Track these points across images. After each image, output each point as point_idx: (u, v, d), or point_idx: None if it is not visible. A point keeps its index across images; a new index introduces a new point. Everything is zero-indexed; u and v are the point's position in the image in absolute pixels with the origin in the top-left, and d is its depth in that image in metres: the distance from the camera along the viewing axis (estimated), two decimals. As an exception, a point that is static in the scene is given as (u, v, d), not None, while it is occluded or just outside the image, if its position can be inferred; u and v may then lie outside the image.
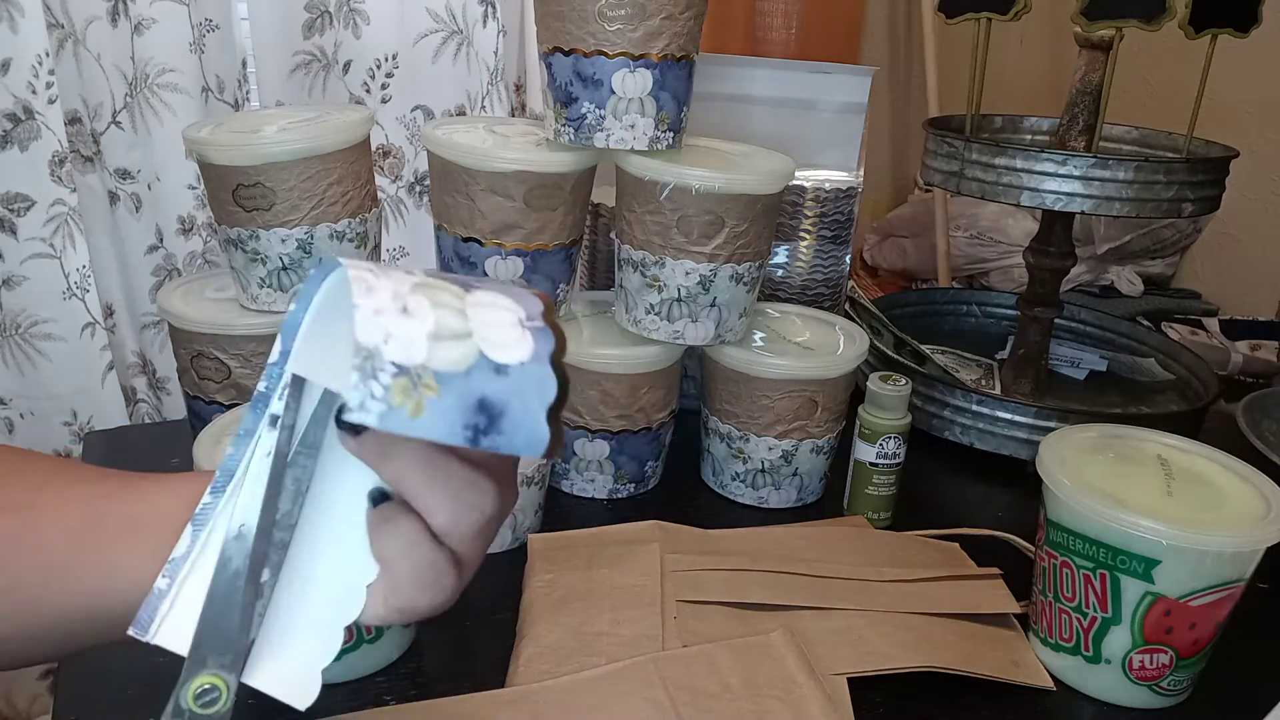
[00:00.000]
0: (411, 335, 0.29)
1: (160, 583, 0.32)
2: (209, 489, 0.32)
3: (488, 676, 0.54)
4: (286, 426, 0.32)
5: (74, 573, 0.34)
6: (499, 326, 0.30)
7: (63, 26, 1.19)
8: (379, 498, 0.33)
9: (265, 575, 0.31)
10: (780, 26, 2.02)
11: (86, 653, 0.54)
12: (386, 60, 1.41)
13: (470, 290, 0.32)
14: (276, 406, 0.32)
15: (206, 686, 0.30)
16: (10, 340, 1.26)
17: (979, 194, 0.78)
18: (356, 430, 0.31)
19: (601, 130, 0.68)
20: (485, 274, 0.71)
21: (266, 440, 0.32)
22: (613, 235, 0.74)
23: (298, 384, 0.32)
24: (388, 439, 0.31)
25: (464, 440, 0.29)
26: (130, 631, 0.32)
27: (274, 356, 0.32)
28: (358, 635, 0.54)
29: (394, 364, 0.28)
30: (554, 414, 0.30)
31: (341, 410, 0.29)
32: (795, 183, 0.84)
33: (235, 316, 0.70)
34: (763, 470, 0.73)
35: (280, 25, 1.32)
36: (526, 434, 0.30)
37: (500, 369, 0.30)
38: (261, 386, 0.32)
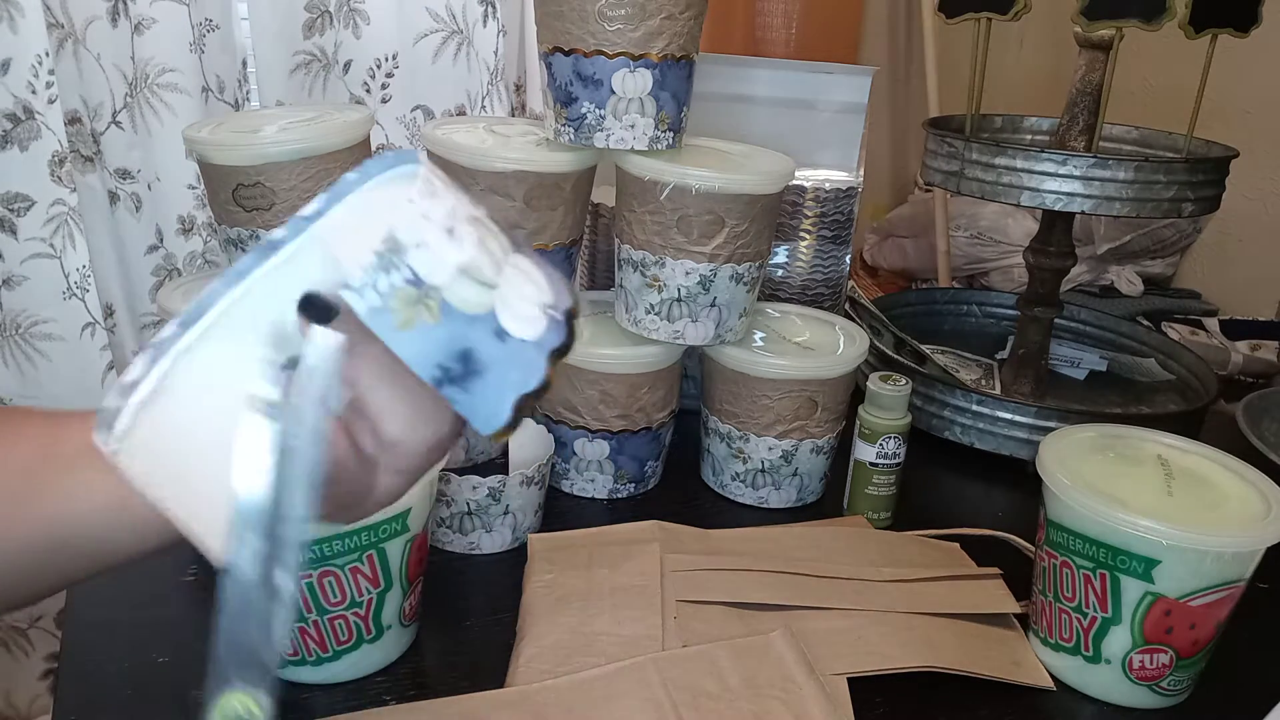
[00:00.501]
0: (444, 256, 0.28)
1: (111, 400, 0.30)
2: (175, 321, 0.31)
3: (488, 676, 0.54)
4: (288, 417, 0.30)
5: (33, 500, 0.34)
6: (524, 299, 0.30)
7: (63, 26, 1.19)
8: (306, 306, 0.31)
9: (279, 577, 0.29)
10: (780, 26, 2.02)
11: (80, 643, 0.54)
12: (386, 60, 1.41)
13: (517, 251, 0.31)
14: (271, 393, 0.29)
15: (241, 710, 0.28)
16: (10, 340, 1.26)
17: (979, 194, 0.78)
18: (321, 318, 0.30)
19: (601, 130, 0.68)
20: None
21: (269, 426, 0.29)
22: (613, 235, 0.74)
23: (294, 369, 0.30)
24: (356, 338, 0.30)
25: (429, 376, 0.28)
26: (94, 435, 0.31)
27: (307, 210, 0.30)
28: (358, 635, 0.54)
29: (412, 271, 0.27)
30: (521, 403, 0.30)
31: (314, 299, 0.28)
32: (795, 183, 0.84)
33: (235, 316, 0.70)
34: (763, 470, 0.73)
35: (280, 25, 1.32)
36: (487, 407, 0.29)
37: (501, 334, 0.29)
38: (279, 234, 0.30)
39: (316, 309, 0.30)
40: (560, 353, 0.31)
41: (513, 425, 0.30)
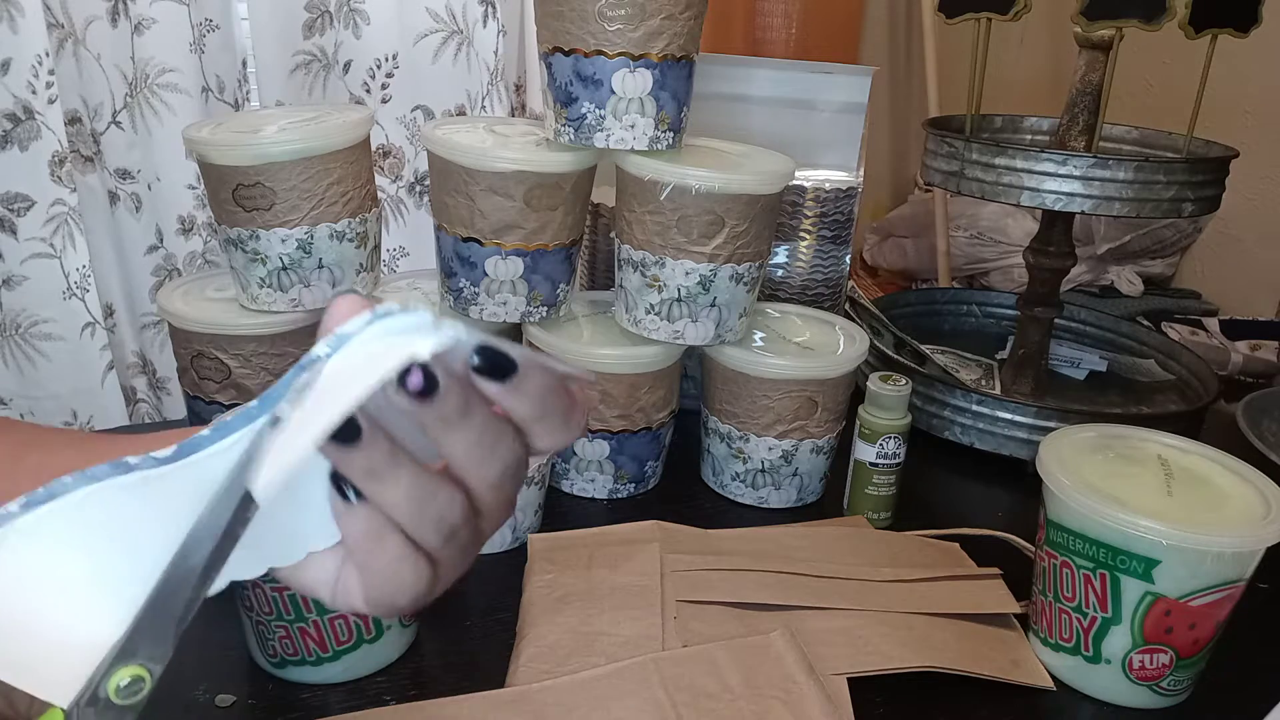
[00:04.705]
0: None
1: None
2: (211, 427, 0.30)
3: (488, 676, 0.54)
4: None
5: None
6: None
7: (63, 26, 1.19)
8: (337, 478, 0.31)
9: (218, 571, 0.30)
10: (780, 26, 2.02)
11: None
12: (386, 60, 1.41)
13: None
14: (284, 410, 0.29)
15: (131, 679, 0.29)
16: (10, 340, 1.26)
17: (979, 194, 0.78)
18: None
19: (601, 130, 0.68)
20: (485, 274, 0.71)
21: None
22: (613, 235, 0.74)
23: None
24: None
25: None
26: None
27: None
28: (357, 635, 0.54)
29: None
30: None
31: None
32: (795, 183, 0.84)
33: (235, 316, 0.70)
34: (763, 470, 0.73)
35: (280, 25, 1.32)
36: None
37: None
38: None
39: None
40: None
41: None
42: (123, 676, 0.29)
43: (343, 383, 0.28)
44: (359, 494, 0.31)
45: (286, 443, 0.28)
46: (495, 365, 0.30)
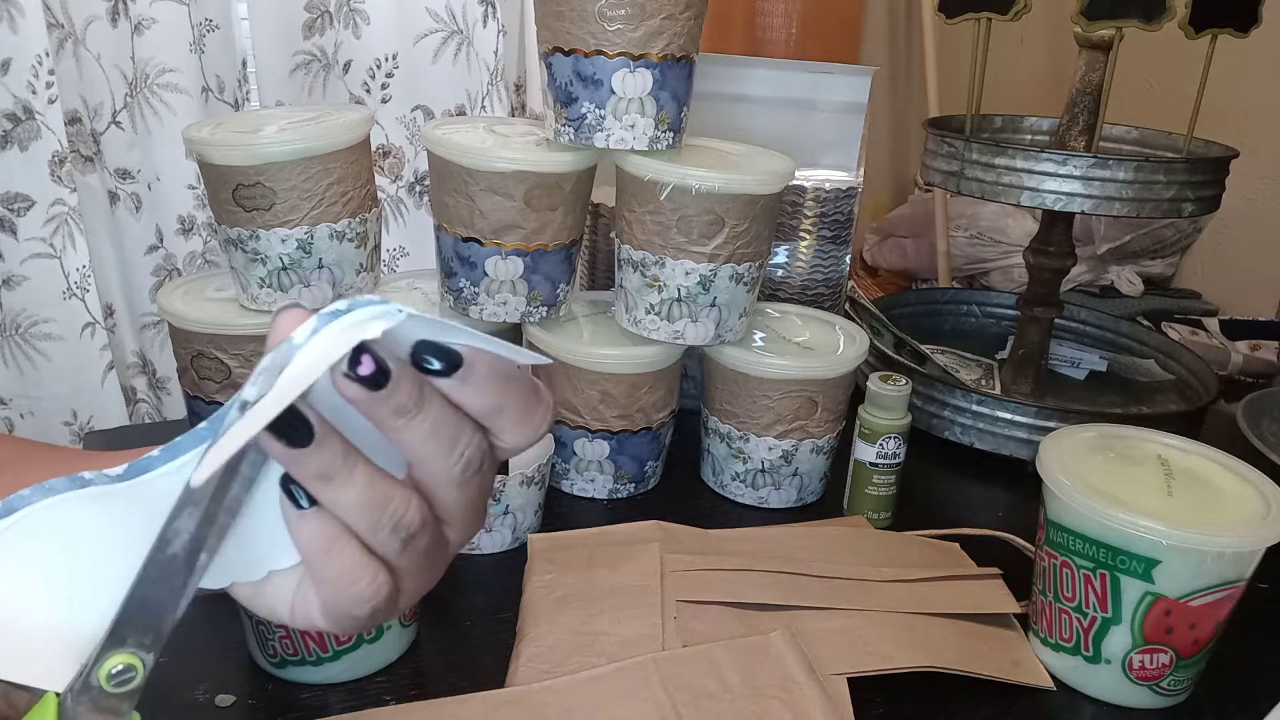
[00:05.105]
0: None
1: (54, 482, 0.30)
2: (161, 448, 0.30)
3: (488, 676, 0.54)
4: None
5: None
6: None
7: (63, 26, 1.19)
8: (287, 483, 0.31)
9: (202, 558, 0.30)
10: (780, 26, 2.02)
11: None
12: (386, 60, 1.41)
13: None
14: (249, 391, 0.29)
15: (122, 666, 0.29)
16: (10, 340, 1.26)
17: (979, 194, 0.78)
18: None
19: (601, 130, 0.68)
20: (485, 274, 0.71)
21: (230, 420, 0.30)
22: (613, 235, 0.74)
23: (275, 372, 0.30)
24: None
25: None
26: None
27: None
28: (357, 635, 0.54)
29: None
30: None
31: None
32: (795, 183, 0.84)
33: (235, 316, 0.70)
34: (763, 470, 0.73)
35: (280, 25, 1.32)
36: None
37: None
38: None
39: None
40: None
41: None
42: (114, 664, 0.29)
43: (294, 377, 0.28)
44: (311, 500, 0.30)
45: (235, 431, 0.29)
46: (438, 359, 0.29)
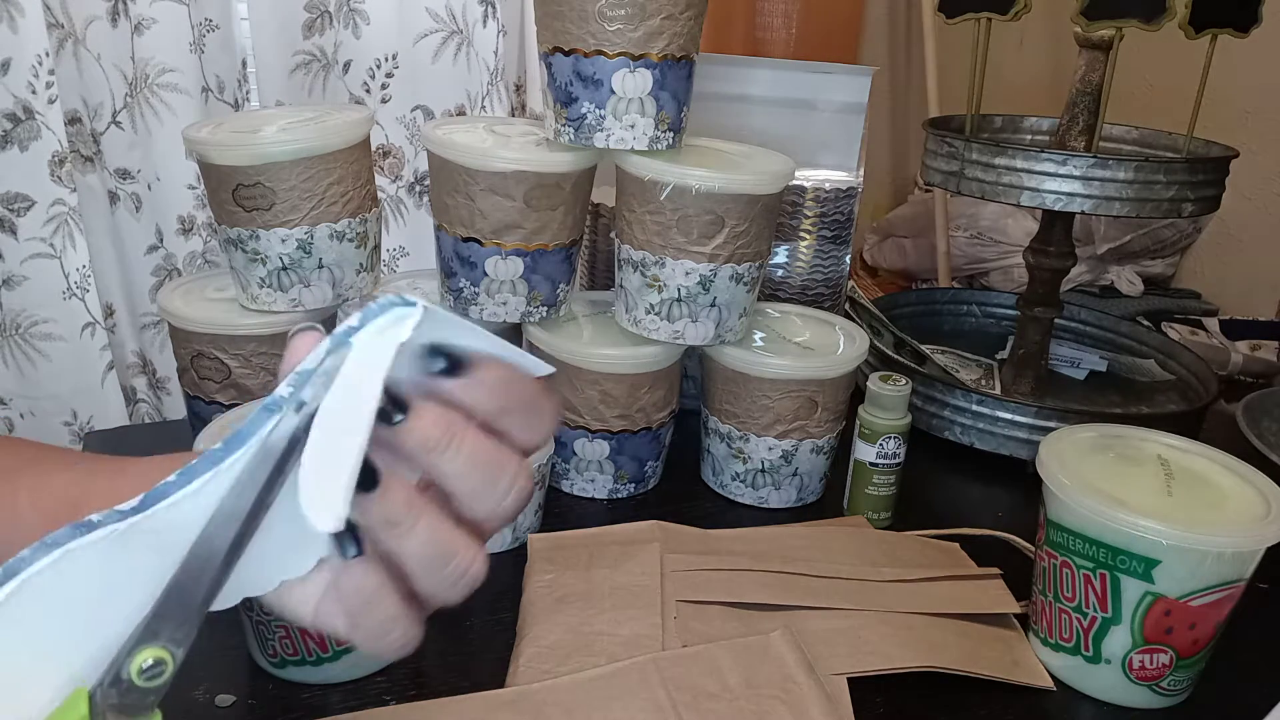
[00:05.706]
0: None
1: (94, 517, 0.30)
2: (177, 473, 0.30)
3: (488, 676, 0.54)
4: (309, 414, 0.30)
5: None
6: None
7: (63, 26, 1.19)
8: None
9: (239, 556, 0.30)
10: (780, 26, 2.02)
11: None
12: (386, 60, 1.41)
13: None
14: (306, 393, 0.30)
15: (153, 660, 0.29)
16: (10, 340, 1.26)
17: (979, 194, 0.78)
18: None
19: (601, 130, 0.68)
20: (485, 274, 0.71)
21: (288, 422, 0.30)
22: (613, 235, 0.74)
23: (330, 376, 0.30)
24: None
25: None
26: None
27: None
28: (358, 635, 0.54)
29: None
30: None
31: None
32: (795, 183, 0.84)
33: (235, 316, 0.70)
34: (763, 470, 0.73)
35: (280, 25, 1.32)
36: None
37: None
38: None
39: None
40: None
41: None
42: (145, 658, 0.29)
43: (353, 385, 0.29)
44: (359, 550, 0.30)
45: (326, 446, 0.29)
46: (447, 361, 0.30)
